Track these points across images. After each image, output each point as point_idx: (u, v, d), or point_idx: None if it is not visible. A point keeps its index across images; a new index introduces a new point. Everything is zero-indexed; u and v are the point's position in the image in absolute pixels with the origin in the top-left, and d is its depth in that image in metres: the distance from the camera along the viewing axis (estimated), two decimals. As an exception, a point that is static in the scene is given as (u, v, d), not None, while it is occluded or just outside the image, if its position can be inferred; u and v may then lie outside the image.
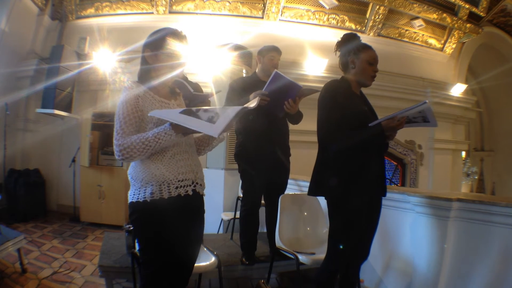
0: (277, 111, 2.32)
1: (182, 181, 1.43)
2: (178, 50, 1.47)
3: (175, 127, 1.34)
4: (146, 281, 1.44)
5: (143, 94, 1.43)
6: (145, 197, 1.38)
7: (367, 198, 1.80)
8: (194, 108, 1.33)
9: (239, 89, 2.54)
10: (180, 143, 1.47)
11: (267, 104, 2.26)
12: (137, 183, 1.41)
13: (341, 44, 1.92)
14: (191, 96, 1.89)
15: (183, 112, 1.31)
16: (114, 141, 1.36)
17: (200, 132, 1.46)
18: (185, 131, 1.37)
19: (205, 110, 1.31)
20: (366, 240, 1.89)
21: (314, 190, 1.88)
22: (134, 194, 1.42)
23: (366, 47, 1.85)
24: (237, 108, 1.31)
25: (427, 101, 1.64)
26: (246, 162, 2.59)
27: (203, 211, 1.61)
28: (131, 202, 1.43)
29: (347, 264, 1.88)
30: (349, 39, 1.91)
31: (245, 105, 1.38)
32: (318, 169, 1.87)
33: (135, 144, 1.33)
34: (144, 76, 1.49)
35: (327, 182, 1.78)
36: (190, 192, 1.46)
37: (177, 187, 1.42)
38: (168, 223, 1.40)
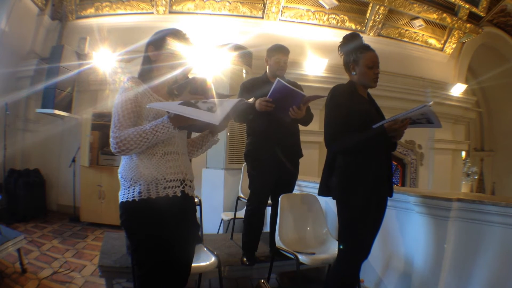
0: (284, 116, 2.33)
1: (170, 181, 1.42)
2: (181, 50, 1.48)
3: (173, 119, 1.34)
4: (139, 282, 1.43)
5: (142, 90, 1.43)
6: (133, 197, 1.37)
7: (374, 198, 1.80)
8: (192, 100, 1.32)
9: (249, 89, 2.55)
10: (172, 143, 1.45)
11: (273, 109, 2.28)
12: (126, 182, 1.41)
13: (342, 47, 1.93)
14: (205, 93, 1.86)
15: (182, 104, 1.31)
16: (111, 134, 1.34)
17: (198, 124, 1.45)
18: (183, 124, 1.36)
19: (204, 102, 1.31)
20: (369, 240, 1.90)
21: (323, 191, 1.90)
22: (124, 194, 1.41)
23: (365, 50, 1.85)
24: (235, 100, 1.32)
25: (427, 104, 1.64)
26: (254, 162, 2.59)
27: (193, 213, 1.58)
28: (121, 202, 1.42)
29: (354, 264, 1.88)
30: (349, 40, 1.91)
31: (243, 98, 1.39)
32: (327, 170, 1.89)
33: (132, 136, 1.32)
34: (145, 75, 1.49)
35: (335, 182, 1.81)
36: (179, 193, 1.44)
37: (165, 188, 1.40)
38: (157, 223, 1.38)
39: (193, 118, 1.32)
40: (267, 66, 2.64)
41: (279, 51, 2.57)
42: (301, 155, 2.70)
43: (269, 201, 2.76)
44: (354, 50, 1.86)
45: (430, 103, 1.65)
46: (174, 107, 1.31)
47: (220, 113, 1.27)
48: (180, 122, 1.35)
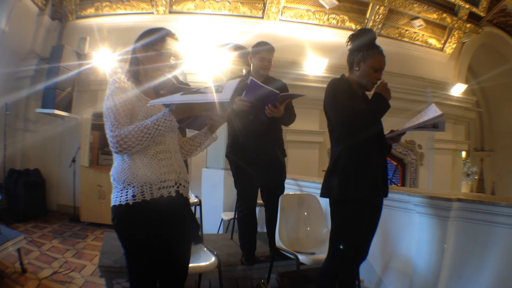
0: (260, 115, 2.32)
1: (164, 181, 1.39)
2: (171, 52, 1.46)
3: (175, 112, 1.31)
4: (133, 285, 1.42)
5: (132, 91, 1.40)
6: (127, 200, 1.33)
7: (370, 199, 1.80)
8: (194, 89, 1.30)
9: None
10: (163, 141, 1.43)
11: (250, 108, 2.27)
12: (119, 185, 1.36)
13: (354, 38, 1.85)
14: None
15: (185, 93, 1.29)
16: (110, 133, 1.30)
17: (198, 120, 1.45)
18: (185, 115, 1.34)
19: (206, 87, 1.29)
20: (366, 241, 1.90)
21: (323, 192, 1.89)
22: (116, 197, 1.37)
23: (376, 52, 1.79)
24: (237, 80, 1.30)
25: (442, 114, 1.63)
26: (237, 162, 2.58)
27: (189, 214, 1.56)
28: (114, 206, 1.37)
29: (349, 264, 1.87)
30: (364, 35, 1.82)
31: (243, 79, 1.39)
32: (329, 172, 1.86)
33: (133, 133, 1.28)
34: (133, 76, 1.46)
35: (335, 182, 1.80)
36: (173, 194, 1.41)
37: (159, 188, 1.37)
38: (151, 226, 1.36)
39: (197, 107, 1.31)
40: (251, 65, 2.58)
41: (264, 49, 2.50)
42: (285, 155, 2.69)
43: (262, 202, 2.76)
44: (365, 47, 1.79)
45: (439, 113, 1.64)
46: (178, 98, 1.29)
47: (228, 91, 1.25)
48: (182, 113, 1.33)
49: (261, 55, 2.49)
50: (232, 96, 1.25)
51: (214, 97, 1.26)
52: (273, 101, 2.21)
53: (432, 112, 1.71)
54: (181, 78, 4.68)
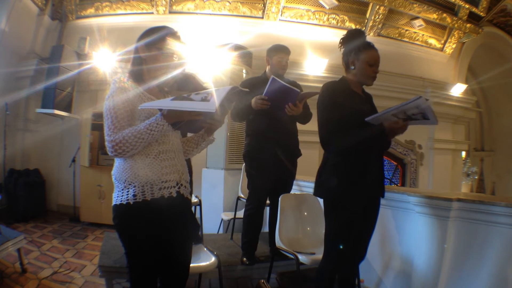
0: (280, 114, 2.34)
1: (165, 182, 1.39)
2: (174, 50, 1.46)
3: (167, 116, 1.33)
4: (133, 285, 1.42)
5: (134, 90, 1.40)
6: (128, 200, 1.34)
7: (366, 199, 1.80)
8: (185, 94, 1.31)
9: (248, 89, 2.54)
10: (167, 141, 1.43)
11: (269, 107, 2.28)
12: (120, 184, 1.37)
13: (345, 41, 1.89)
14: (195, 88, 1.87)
15: (175, 99, 1.30)
16: (106, 137, 1.32)
17: (194, 124, 1.45)
18: (177, 119, 1.35)
19: (197, 93, 1.30)
20: (364, 241, 1.89)
21: (316, 191, 1.89)
22: (117, 197, 1.37)
23: (367, 47, 1.82)
24: (229, 87, 1.31)
25: (421, 95, 1.59)
26: (251, 162, 2.60)
27: (190, 215, 1.57)
28: (115, 205, 1.38)
29: (345, 265, 1.87)
30: (354, 36, 1.87)
31: (237, 85, 1.39)
32: (321, 170, 1.87)
33: (127, 138, 1.30)
34: (136, 75, 1.46)
35: (326, 182, 1.79)
36: (174, 194, 1.41)
37: (160, 188, 1.38)
38: (152, 226, 1.37)
39: (187, 112, 1.32)
40: (268, 66, 2.64)
41: (281, 51, 2.58)
42: (300, 155, 2.70)
43: (267, 201, 2.76)
44: (357, 46, 1.83)
45: (428, 100, 1.61)
46: (167, 103, 1.30)
47: (215, 100, 1.25)
48: (173, 118, 1.34)
49: (280, 57, 2.57)
50: (219, 108, 1.25)
51: (200, 106, 1.26)
52: (293, 100, 2.24)
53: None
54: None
